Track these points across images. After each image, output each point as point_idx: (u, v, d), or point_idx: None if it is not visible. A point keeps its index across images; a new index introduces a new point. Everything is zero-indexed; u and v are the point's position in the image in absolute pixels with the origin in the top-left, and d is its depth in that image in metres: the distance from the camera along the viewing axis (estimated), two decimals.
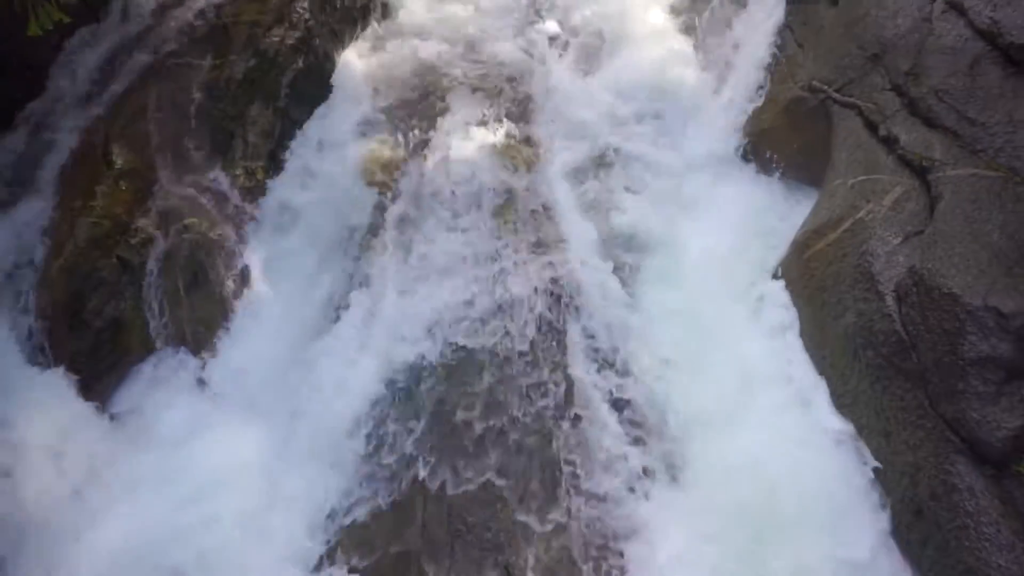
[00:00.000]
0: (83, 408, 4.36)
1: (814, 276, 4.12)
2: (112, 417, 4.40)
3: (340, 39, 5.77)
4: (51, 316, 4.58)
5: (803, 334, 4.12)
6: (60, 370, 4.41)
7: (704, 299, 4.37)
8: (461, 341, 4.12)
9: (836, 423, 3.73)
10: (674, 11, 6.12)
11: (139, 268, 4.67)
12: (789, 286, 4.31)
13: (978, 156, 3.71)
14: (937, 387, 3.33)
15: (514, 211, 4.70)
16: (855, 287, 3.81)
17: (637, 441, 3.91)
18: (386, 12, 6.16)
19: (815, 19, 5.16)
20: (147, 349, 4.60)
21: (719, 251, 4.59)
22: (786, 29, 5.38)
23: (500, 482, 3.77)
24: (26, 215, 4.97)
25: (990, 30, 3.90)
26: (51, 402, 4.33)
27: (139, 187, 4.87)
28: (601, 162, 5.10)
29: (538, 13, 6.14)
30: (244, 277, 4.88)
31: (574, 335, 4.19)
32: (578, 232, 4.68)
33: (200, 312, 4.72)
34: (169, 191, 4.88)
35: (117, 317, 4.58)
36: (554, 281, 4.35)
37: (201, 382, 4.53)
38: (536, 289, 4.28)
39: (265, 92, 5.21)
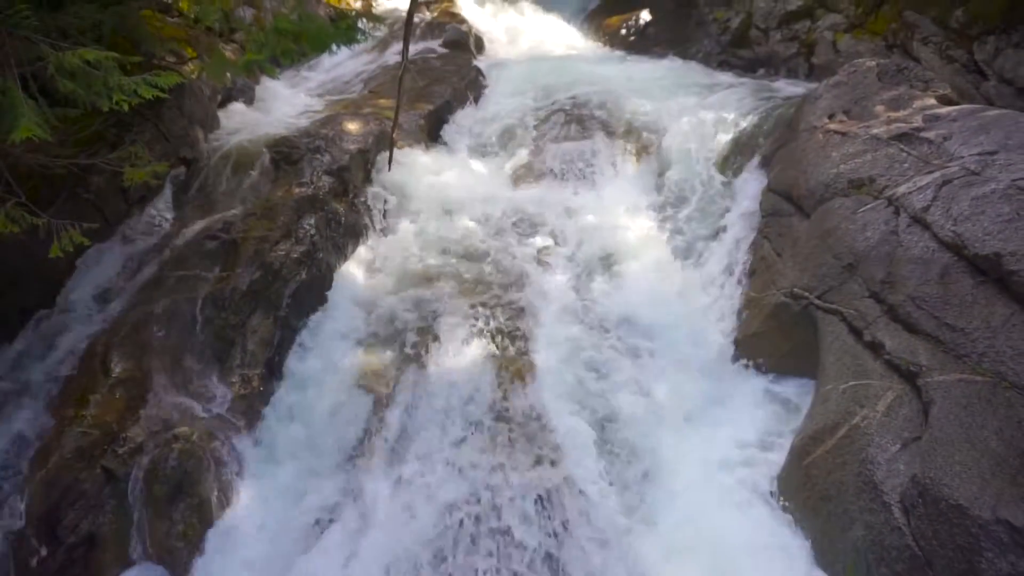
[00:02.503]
0: None
1: (816, 485, 4.00)
2: None
3: (342, 252, 6.08)
4: (23, 533, 4.38)
5: (811, 548, 3.92)
6: None
7: (705, 511, 4.21)
8: (454, 563, 3.90)
9: None
10: (657, 224, 6.52)
11: (123, 479, 4.54)
12: (791, 496, 4.17)
13: (963, 361, 3.76)
14: None
15: (508, 422, 4.66)
16: (860, 497, 3.69)
17: None
18: (386, 227, 6.55)
19: (789, 231, 5.49)
20: (122, 565, 4.35)
21: (717, 458, 4.50)
22: (764, 239, 5.72)
23: None
24: (18, 424, 4.93)
25: (954, 242, 4.13)
26: None
27: (134, 395, 4.88)
28: (594, 370, 5.14)
29: (530, 228, 6.50)
30: (230, 488, 4.73)
31: (571, 554, 3.99)
32: (573, 443, 4.59)
33: (181, 525, 4.52)
34: (163, 399, 4.88)
35: (93, 533, 4.38)
36: (549, 496, 4.21)
37: None
38: (531, 505, 4.14)
39: (267, 302, 5.38)
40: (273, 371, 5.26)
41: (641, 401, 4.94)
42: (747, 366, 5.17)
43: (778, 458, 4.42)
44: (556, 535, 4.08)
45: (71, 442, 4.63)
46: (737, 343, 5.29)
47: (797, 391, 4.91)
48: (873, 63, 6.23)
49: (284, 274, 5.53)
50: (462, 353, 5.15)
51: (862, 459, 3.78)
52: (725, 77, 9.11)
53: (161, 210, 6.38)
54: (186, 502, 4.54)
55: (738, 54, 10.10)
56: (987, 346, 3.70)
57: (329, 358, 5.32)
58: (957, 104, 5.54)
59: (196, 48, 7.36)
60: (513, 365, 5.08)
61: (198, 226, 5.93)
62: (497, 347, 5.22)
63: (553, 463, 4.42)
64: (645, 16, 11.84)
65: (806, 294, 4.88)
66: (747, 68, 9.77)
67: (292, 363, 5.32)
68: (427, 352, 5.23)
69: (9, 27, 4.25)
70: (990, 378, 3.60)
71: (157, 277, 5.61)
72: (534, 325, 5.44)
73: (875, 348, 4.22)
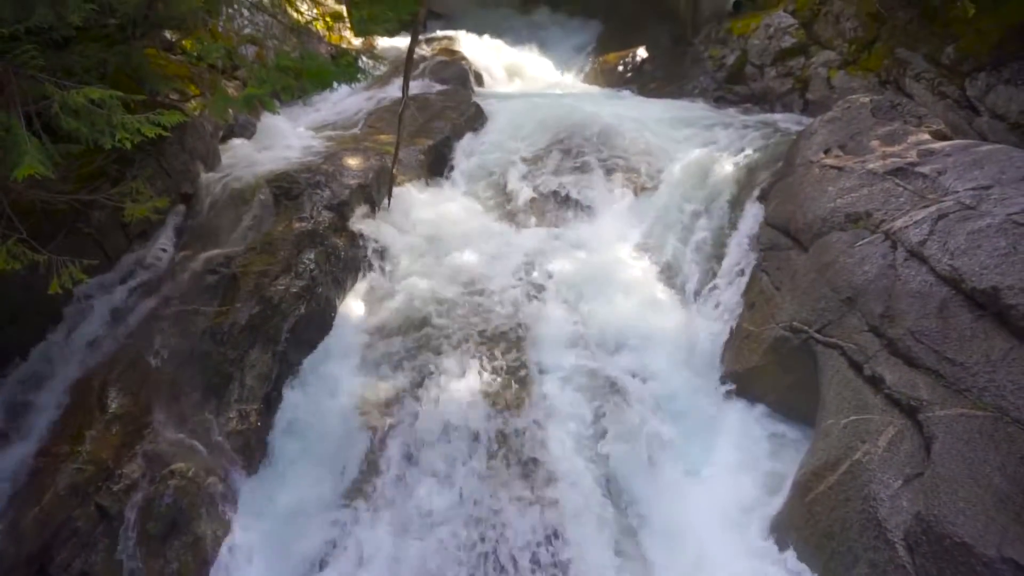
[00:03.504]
0: None
1: (819, 522, 3.96)
2: None
3: (342, 285, 6.07)
4: (14, 572, 4.31)
5: None
6: None
7: (704, 555, 4.16)
8: None
9: None
10: (654, 258, 6.55)
11: (117, 516, 4.49)
12: (794, 533, 4.12)
13: (963, 395, 3.75)
14: None
15: (508, 455, 4.63)
16: (863, 535, 3.65)
17: None
18: (385, 261, 6.56)
19: (788, 264, 5.50)
20: None
21: (715, 497, 4.46)
22: (762, 273, 5.73)
23: None
24: (11, 461, 4.88)
25: (952, 276, 4.14)
26: None
27: (130, 431, 4.84)
28: (593, 403, 5.11)
29: (528, 261, 6.51)
30: (227, 525, 4.67)
31: None
32: (572, 479, 4.56)
33: (175, 564, 4.45)
34: (160, 435, 4.83)
35: (86, 572, 4.30)
36: (549, 534, 4.16)
37: None
38: (532, 542, 4.08)
39: (266, 336, 5.35)
40: (271, 406, 5.22)
41: (639, 436, 4.89)
42: (747, 401, 5.16)
43: (780, 496, 4.38)
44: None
45: (65, 479, 4.58)
46: (737, 377, 5.27)
47: (797, 426, 4.88)
48: (867, 99, 6.32)
49: (283, 308, 5.52)
50: (461, 386, 5.13)
51: (865, 496, 3.74)
52: (721, 112, 9.23)
53: (161, 245, 6.38)
54: (181, 540, 4.48)
55: (734, 90, 10.25)
56: (988, 380, 3.70)
57: (328, 392, 5.29)
58: (950, 139, 5.61)
59: (199, 85, 7.45)
60: (512, 398, 5.06)
61: (198, 261, 5.93)
62: (495, 380, 5.20)
63: (553, 500, 4.38)
64: (642, 53, 12.04)
65: (805, 328, 4.88)
66: (743, 103, 9.90)
67: (290, 398, 5.28)
68: (426, 386, 5.21)
69: (15, 66, 4.31)
70: (991, 413, 3.58)
71: (156, 312, 5.60)
72: (532, 358, 5.43)
73: (875, 382, 4.20)
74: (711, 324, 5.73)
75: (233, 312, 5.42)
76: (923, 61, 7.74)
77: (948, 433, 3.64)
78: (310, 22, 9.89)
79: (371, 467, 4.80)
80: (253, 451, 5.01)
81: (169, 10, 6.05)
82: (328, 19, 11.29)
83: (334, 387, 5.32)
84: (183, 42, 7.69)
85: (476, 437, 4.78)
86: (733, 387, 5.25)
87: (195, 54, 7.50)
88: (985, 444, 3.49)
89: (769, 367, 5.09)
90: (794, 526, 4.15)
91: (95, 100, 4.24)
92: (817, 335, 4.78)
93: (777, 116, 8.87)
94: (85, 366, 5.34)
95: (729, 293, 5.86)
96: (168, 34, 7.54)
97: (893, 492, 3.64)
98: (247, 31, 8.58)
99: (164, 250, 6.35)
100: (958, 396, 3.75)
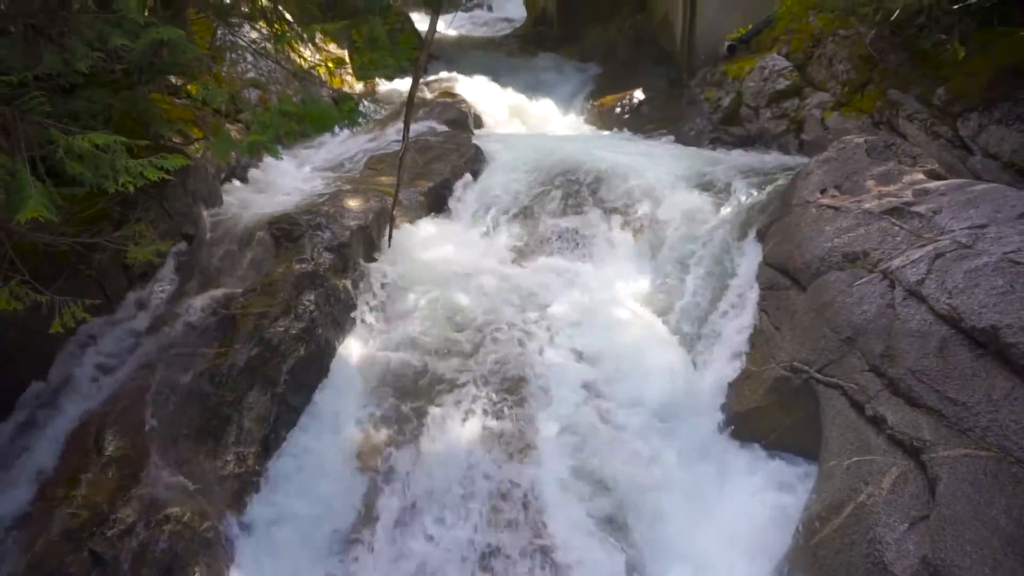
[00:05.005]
0: None
1: (824, 566, 3.89)
2: None
3: (342, 327, 6.07)
4: None
5: None
6: None
7: None
8: None
9: None
10: (653, 299, 6.56)
11: (112, 562, 4.41)
12: None
13: (967, 435, 3.71)
14: None
15: (508, 501, 4.58)
16: None
17: None
18: (385, 302, 6.58)
19: (787, 304, 5.51)
20: None
21: (721, 538, 4.39)
22: (762, 312, 5.73)
23: None
24: (4, 506, 4.82)
25: (951, 315, 4.14)
26: None
27: (126, 474, 4.78)
28: (594, 448, 5.06)
29: (528, 303, 6.50)
30: (222, 570, 4.59)
31: None
32: (573, 528, 4.49)
33: None
34: (156, 478, 4.78)
35: None
36: None
37: None
38: None
39: (265, 378, 5.33)
40: (269, 449, 5.17)
41: (640, 480, 4.84)
42: (749, 441, 5.11)
43: (784, 539, 4.31)
44: None
45: (59, 524, 4.53)
46: (739, 418, 5.23)
47: (801, 467, 4.83)
48: (861, 139, 6.40)
49: (283, 350, 5.50)
50: (461, 430, 5.09)
51: (870, 539, 3.69)
52: (718, 153, 9.34)
53: (161, 286, 6.41)
54: None
55: (729, 131, 10.39)
56: (990, 420, 3.67)
57: (326, 436, 5.24)
58: (945, 179, 5.66)
59: (203, 128, 7.56)
60: (512, 443, 5.01)
61: (198, 302, 5.95)
62: (496, 424, 5.15)
63: (554, 548, 4.31)
64: (639, 95, 12.25)
65: (806, 368, 4.86)
66: (738, 144, 10.02)
67: (288, 441, 5.24)
68: (426, 429, 5.16)
69: (21, 112, 4.38)
70: (995, 453, 3.55)
71: (155, 353, 5.59)
72: (532, 401, 5.39)
73: (877, 423, 4.17)
74: (712, 364, 5.71)
75: (232, 353, 5.41)
76: (915, 102, 7.86)
77: (952, 474, 3.60)
78: (313, 67, 10.07)
79: (369, 512, 4.73)
80: (250, 494, 4.95)
81: (174, 56, 6.17)
82: (330, 64, 11.49)
83: (333, 430, 5.28)
84: (188, 87, 7.83)
85: (475, 483, 4.71)
86: (735, 428, 5.21)
87: (199, 98, 7.62)
88: (990, 485, 3.45)
89: (770, 407, 5.06)
90: (799, 570, 4.08)
91: (99, 145, 4.30)
92: (818, 375, 4.76)
93: (773, 157, 8.97)
94: (82, 408, 5.32)
95: (729, 333, 5.85)
96: (173, 79, 7.68)
97: (899, 535, 3.59)
98: (250, 75, 8.75)
99: (164, 291, 6.37)
100: (961, 436, 3.72)
